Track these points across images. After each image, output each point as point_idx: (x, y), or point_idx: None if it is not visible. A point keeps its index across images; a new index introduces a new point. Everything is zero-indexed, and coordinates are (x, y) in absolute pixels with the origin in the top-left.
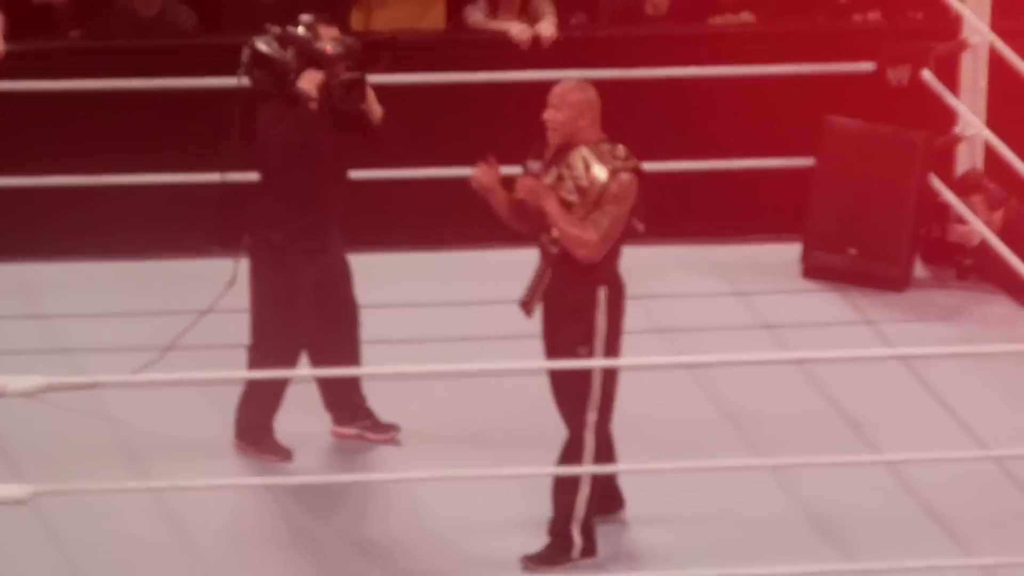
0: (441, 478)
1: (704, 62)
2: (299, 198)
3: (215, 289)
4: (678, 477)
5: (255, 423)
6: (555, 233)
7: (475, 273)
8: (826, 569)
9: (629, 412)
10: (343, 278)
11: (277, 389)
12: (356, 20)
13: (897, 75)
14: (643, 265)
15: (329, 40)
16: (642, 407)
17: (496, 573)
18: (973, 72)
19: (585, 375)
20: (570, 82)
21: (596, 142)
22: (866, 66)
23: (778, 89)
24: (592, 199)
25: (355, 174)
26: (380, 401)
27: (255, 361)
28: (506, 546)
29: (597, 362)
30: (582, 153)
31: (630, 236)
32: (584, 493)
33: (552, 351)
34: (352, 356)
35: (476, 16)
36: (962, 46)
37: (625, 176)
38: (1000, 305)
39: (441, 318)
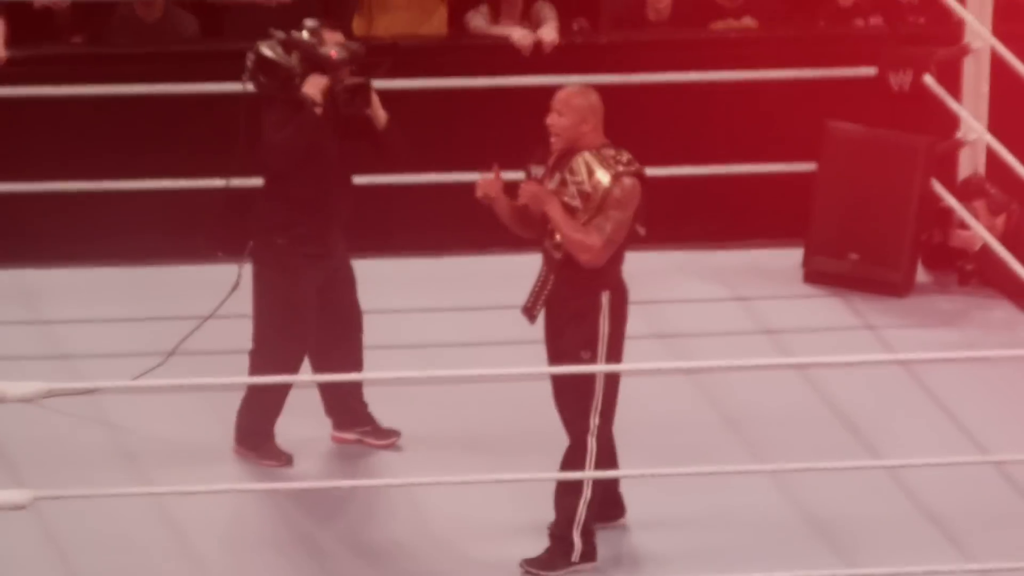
0: (442, 483)
1: (706, 67)
2: (303, 203)
3: (215, 295)
4: (679, 482)
5: (255, 428)
6: (558, 238)
7: (477, 279)
8: (826, 574)
9: (630, 417)
10: (347, 283)
11: (278, 394)
12: (358, 25)
13: (899, 80)
14: (644, 270)
15: (334, 45)
16: (643, 412)
17: None
18: (975, 77)
19: (588, 379)
20: (573, 87)
21: (599, 147)
22: (868, 71)
23: (780, 94)
24: (595, 204)
25: (356, 179)
26: (382, 406)
27: (257, 366)
28: (507, 550)
29: (599, 367)
30: (585, 158)
31: (632, 240)
32: (586, 497)
33: (555, 356)
34: (354, 361)
35: (478, 21)
36: (964, 51)
37: (628, 181)
38: (1002, 310)
39: (443, 323)
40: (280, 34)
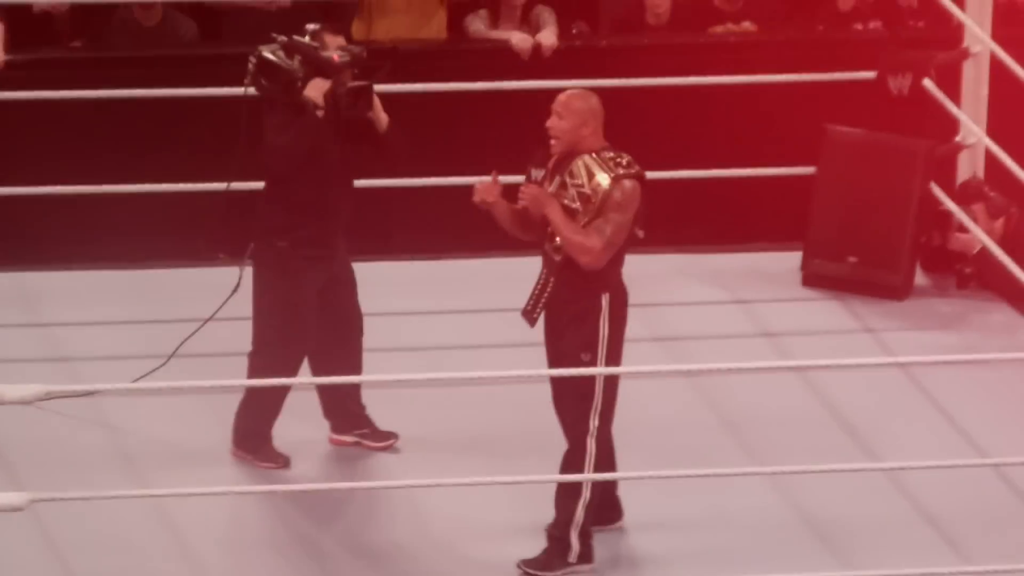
0: (441, 484)
1: (705, 71)
2: (305, 206)
3: (214, 297)
4: (677, 484)
5: (253, 430)
6: (558, 241)
7: (476, 282)
8: None
9: (629, 419)
10: (348, 286)
11: (277, 397)
12: (357, 29)
13: (898, 84)
14: (643, 273)
15: (335, 48)
16: (642, 414)
17: None
18: (974, 81)
19: (588, 381)
20: (573, 90)
21: (599, 150)
22: (867, 75)
23: (779, 98)
24: (595, 206)
25: (355, 182)
26: (381, 408)
27: (256, 368)
28: (505, 551)
29: (597, 370)
30: (584, 161)
31: (632, 243)
32: (585, 499)
33: (555, 358)
34: (354, 364)
35: (477, 25)
36: (963, 55)
37: (628, 183)
38: (1001, 313)
39: (442, 326)
40: (282, 38)
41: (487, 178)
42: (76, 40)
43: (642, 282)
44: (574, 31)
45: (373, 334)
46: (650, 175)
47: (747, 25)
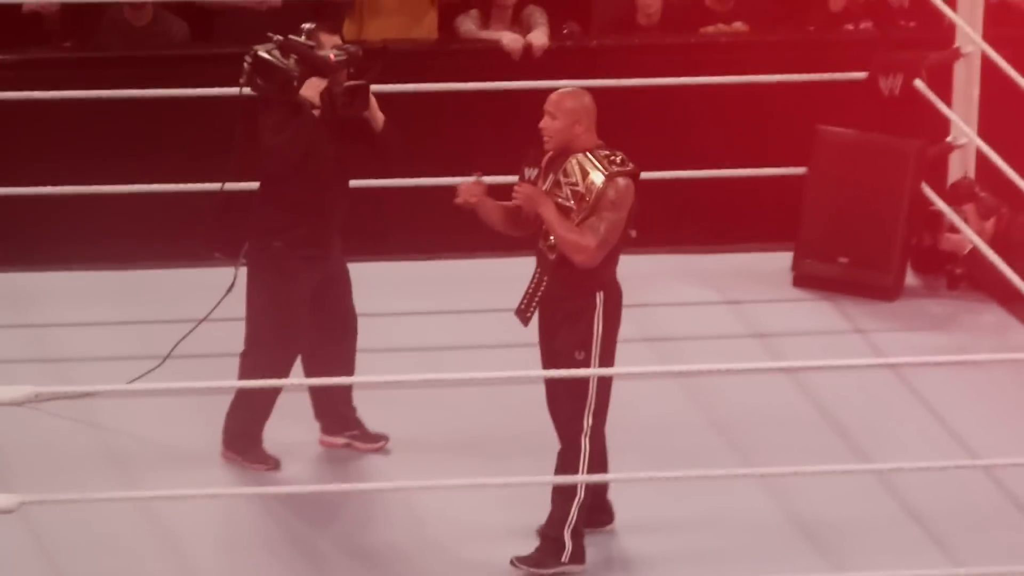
0: (432, 487)
1: (696, 71)
2: (301, 206)
3: (206, 298)
4: (668, 485)
5: (243, 432)
6: (552, 239)
7: (469, 282)
8: None
9: (620, 420)
10: (342, 286)
11: (268, 398)
12: (349, 30)
13: (889, 84)
14: (634, 274)
15: (331, 48)
16: (633, 415)
17: None
18: (966, 81)
19: (582, 380)
20: (565, 89)
21: (593, 148)
22: (858, 75)
23: (770, 98)
24: (589, 205)
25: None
26: (373, 409)
27: (248, 369)
28: (498, 552)
29: (588, 371)
30: (578, 159)
31: (626, 242)
32: (580, 499)
33: (550, 356)
34: (347, 366)
35: (468, 26)
36: (955, 55)
37: (622, 181)
38: (991, 314)
39: (435, 326)
40: (278, 37)
41: (470, 179)
42: (66, 40)
43: (633, 282)
44: (565, 31)
45: (366, 334)
46: (641, 175)
47: (738, 25)
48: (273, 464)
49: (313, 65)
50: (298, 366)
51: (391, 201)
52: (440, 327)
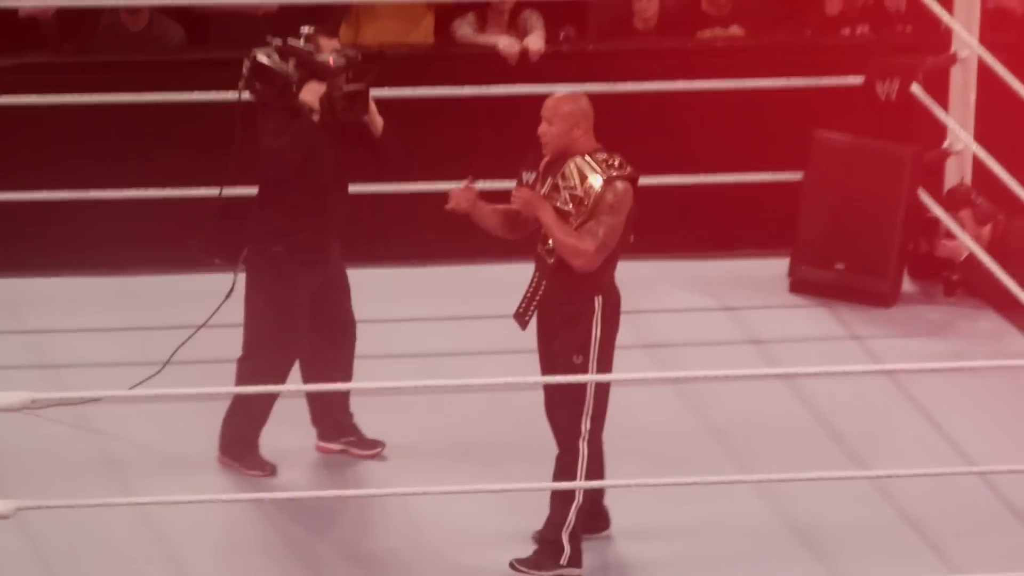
0: (430, 492)
1: (693, 76)
2: (300, 210)
3: (204, 304)
4: (665, 491)
5: (240, 437)
6: (550, 243)
7: (465, 288)
8: None
9: (617, 426)
10: (341, 291)
11: (265, 404)
12: (345, 34)
13: (885, 89)
14: (631, 279)
15: (330, 52)
16: (630, 421)
17: None
18: (962, 86)
19: (580, 385)
20: (561, 94)
21: (591, 151)
22: (855, 80)
23: (767, 103)
24: (588, 208)
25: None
26: (371, 415)
27: (245, 374)
28: (496, 558)
29: (586, 377)
30: (577, 163)
31: (624, 246)
32: (578, 503)
33: (548, 360)
34: (345, 371)
35: (465, 30)
36: (951, 60)
37: (620, 185)
38: (988, 320)
39: (431, 333)
40: (277, 41)
41: (461, 184)
42: (62, 44)
43: (630, 289)
44: (562, 36)
45: (364, 340)
46: (639, 180)
47: (735, 30)
48: (269, 470)
49: (312, 69)
50: (296, 371)
51: (385, 206)
52: (438, 333)
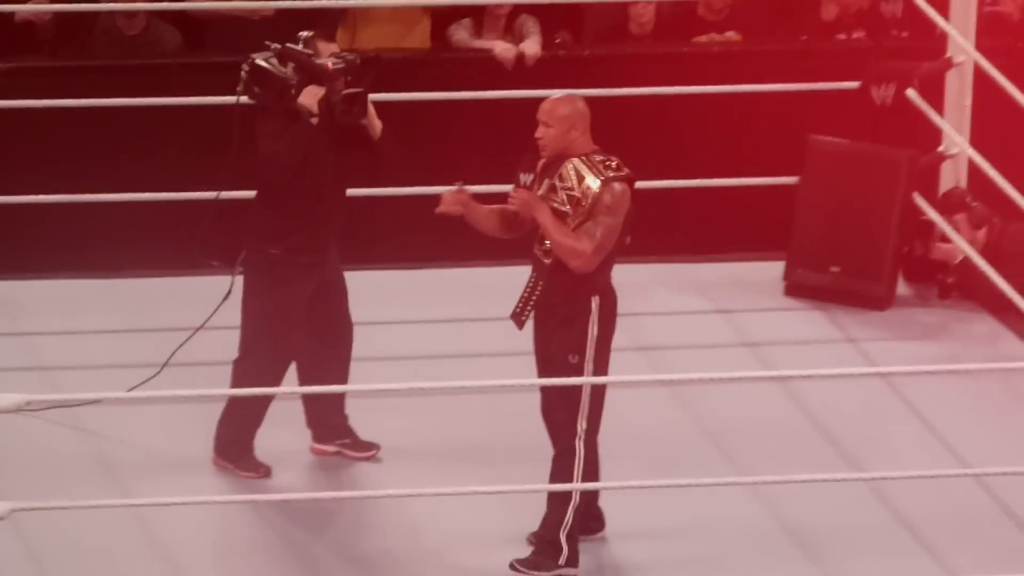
0: (423, 494)
1: (688, 80)
2: (298, 213)
3: (199, 306)
4: (660, 493)
5: (235, 439)
6: (547, 244)
7: (460, 291)
8: None
9: (611, 429)
10: (339, 293)
11: (260, 406)
12: (341, 38)
13: (881, 94)
14: (625, 283)
15: (329, 56)
16: (625, 424)
17: None
18: (958, 91)
19: (576, 385)
20: (557, 96)
21: (588, 153)
22: (851, 85)
23: (762, 108)
24: (585, 210)
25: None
26: (366, 417)
27: (241, 375)
28: (493, 559)
29: (581, 380)
30: (574, 164)
31: (621, 247)
32: (575, 503)
33: (545, 361)
34: (341, 374)
35: (461, 35)
36: (947, 65)
37: (618, 186)
38: (983, 323)
39: (427, 335)
40: (275, 45)
41: (452, 187)
42: (59, 49)
43: (625, 291)
44: (558, 40)
45: (359, 342)
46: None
47: (731, 35)
48: (264, 472)
49: (311, 73)
50: (292, 373)
51: (381, 209)
52: (434, 335)
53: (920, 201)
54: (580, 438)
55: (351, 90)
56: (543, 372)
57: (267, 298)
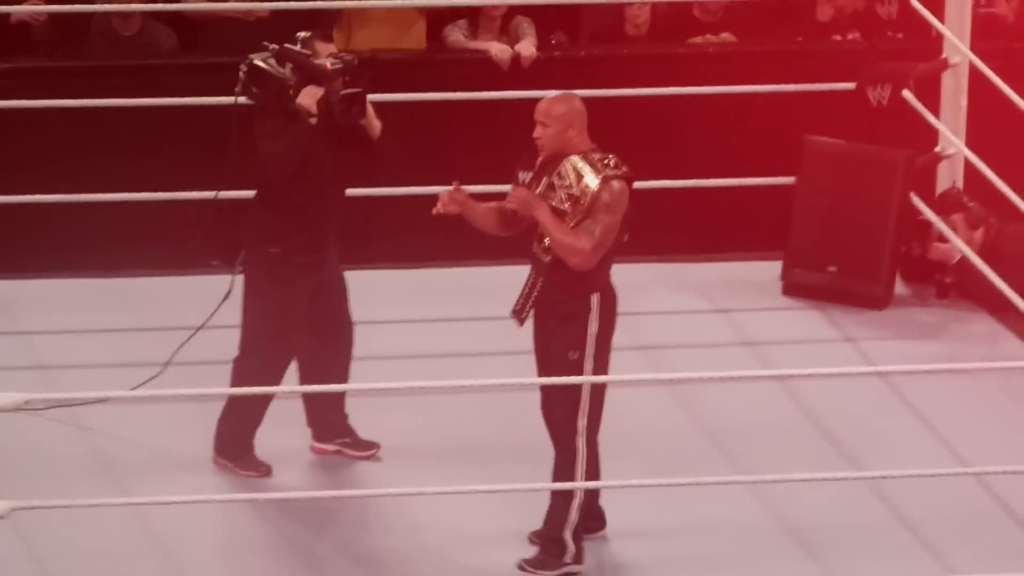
0: (430, 492)
1: (684, 81)
2: (298, 212)
3: (199, 306)
4: (660, 492)
5: (235, 438)
6: (546, 242)
7: (458, 290)
8: None
9: (611, 428)
10: (338, 292)
11: (260, 404)
12: (337, 39)
13: (877, 94)
14: (624, 282)
15: (327, 56)
16: (624, 423)
17: None
18: (954, 91)
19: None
20: (553, 95)
21: (587, 151)
22: (847, 86)
23: (759, 108)
24: (584, 208)
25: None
26: (365, 417)
27: (241, 374)
28: (495, 558)
29: (581, 379)
30: (572, 162)
31: (619, 245)
32: (579, 500)
33: (544, 358)
34: (342, 373)
35: (456, 36)
36: (943, 66)
37: (616, 184)
38: (980, 323)
39: (424, 335)
40: (273, 46)
41: (449, 187)
42: (55, 50)
43: (623, 291)
44: (553, 41)
45: (359, 342)
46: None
47: (726, 36)
48: (264, 471)
49: (309, 73)
50: (292, 372)
51: (378, 209)
52: (432, 335)
53: (917, 201)
54: (580, 435)
55: (350, 90)
56: (543, 370)
57: (267, 298)
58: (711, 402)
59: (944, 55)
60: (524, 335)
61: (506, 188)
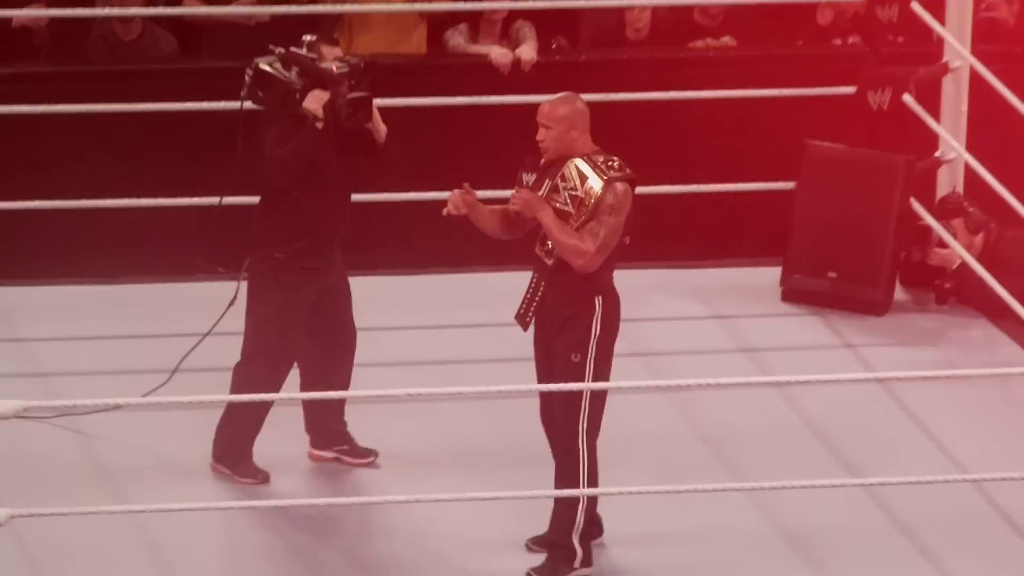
0: (432, 500)
1: (684, 86)
2: (303, 217)
3: (200, 313)
4: (658, 499)
5: (234, 445)
6: (549, 244)
7: (459, 296)
8: None
9: (609, 434)
10: (342, 298)
11: (260, 411)
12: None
13: (878, 99)
14: (624, 288)
15: (333, 60)
16: (623, 430)
17: None
18: (954, 96)
19: (576, 382)
20: (555, 98)
21: (590, 153)
22: (847, 90)
23: (758, 113)
24: (588, 210)
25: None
26: (366, 424)
27: (242, 380)
28: (496, 564)
29: (580, 385)
30: (576, 164)
31: (622, 248)
32: (584, 503)
33: (547, 360)
34: (343, 380)
35: (457, 40)
36: (943, 70)
37: (620, 186)
38: (980, 329)
39: (426, 341)
40: (279, 49)
41: (458, 189)
42: (56, 54)
43: (623, 297)
44: (554, 46)
45: (360, 348)
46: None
47: (727, 40)
48: (263, 478)
49: (315, 77)
50: (293, 378)
51: (379, 215)
52: (434, 341)
53: (917, 206)
54: (581, 439)
55: (356, 94)
56: (544, 371)
57: (270, 303)
58: (710, 408)
59: (945, 59)
60: (525, 341)
61: (507, 193)
